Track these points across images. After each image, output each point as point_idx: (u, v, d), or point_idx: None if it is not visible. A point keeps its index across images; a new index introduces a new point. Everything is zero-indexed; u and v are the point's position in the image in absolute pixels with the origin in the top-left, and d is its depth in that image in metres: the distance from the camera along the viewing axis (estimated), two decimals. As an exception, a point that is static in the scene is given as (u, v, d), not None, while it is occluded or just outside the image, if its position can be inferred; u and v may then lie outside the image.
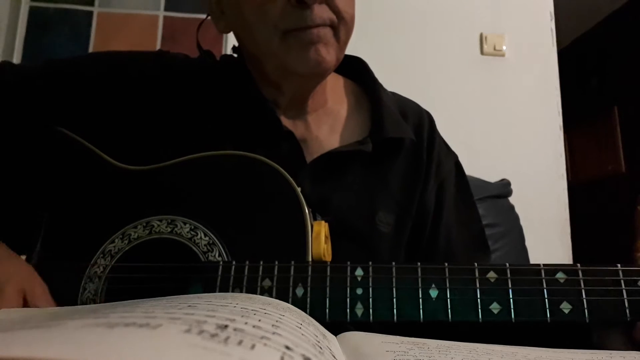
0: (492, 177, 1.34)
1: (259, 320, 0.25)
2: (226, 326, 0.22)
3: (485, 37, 1.72)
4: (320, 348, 0.27)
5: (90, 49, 1.62)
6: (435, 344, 0.35)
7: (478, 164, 1.45)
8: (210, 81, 0.64)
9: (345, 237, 0.57)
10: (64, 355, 0.17)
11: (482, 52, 1.72)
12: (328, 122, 0.65)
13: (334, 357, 0.28)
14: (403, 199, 0.64)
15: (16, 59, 1.59)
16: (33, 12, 1.63)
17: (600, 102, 3.24)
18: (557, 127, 1.69)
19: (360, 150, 0.61)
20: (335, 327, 0.39)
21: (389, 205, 0.62)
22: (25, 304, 0.43)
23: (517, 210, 1.28)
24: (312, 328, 0.31)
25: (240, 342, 0.21)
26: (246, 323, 0.24)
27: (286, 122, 0.62)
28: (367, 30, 1.70)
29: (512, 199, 1.31)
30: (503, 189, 1.30)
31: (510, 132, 1.67)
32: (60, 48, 1.61)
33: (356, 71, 0.70)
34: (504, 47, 1.72)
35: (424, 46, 1.70)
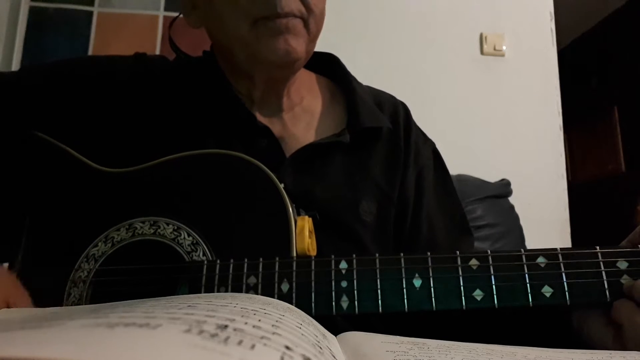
0: (492, 177, 1.34)
1: (259, 320, 0.25)
2: (226, 326, 0.22)
3: (485, 37, 1.72)
4: (320, 348, 0.27)
5: (90, 49, 1.62)
6: (435, 344, 0.35)
7: (478, 164, 1.45)
8: (186, 81, 0.65)
9: (330, 231, 0.57)
10: (64, 355, 0.17)
11: (482, 52, 1.72)
12: (304, 119, 0.66)
13: (334, 357, 0.28)
14: (384, 186, 0.64)
15: (16, 59, 1.59)
16: (33, 12, 1.63)
17: (600, 102, 3.24)
18: (557, 127, 1.69)
19: (338, 142, 0.62)
20: (335, 327, 0.39)
21: (371, 194, 0.63)
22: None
23: (517, 210, 1.28)
24: (312, 328, 0.31)
25: (240, 342, 0.21)
26: (246, 323, 0.24)
27: (262, 120, 0.62)
28: (367, 31, 1.70)
29: (512, 199, 1.31)
30: (503, 189, 1.30)
31: (510, 132, 1.67)
32: (60, 48, 1.61)
33: (329, 67, 0.71)
34: (504, 47, 1.72)
35: (424, 46, 1.70)
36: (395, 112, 0.70)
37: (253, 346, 0.21)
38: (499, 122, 1.67)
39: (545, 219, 1.59)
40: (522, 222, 1.27)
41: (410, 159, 0.67)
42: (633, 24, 2.95)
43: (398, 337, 0.38)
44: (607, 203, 3.02)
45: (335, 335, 0.37)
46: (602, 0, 3.04)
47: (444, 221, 0.68)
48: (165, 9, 1.69)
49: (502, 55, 1.72)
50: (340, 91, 0.69)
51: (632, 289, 0.42)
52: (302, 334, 0.27)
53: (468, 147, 1.58)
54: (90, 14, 1.66)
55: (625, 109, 3.05)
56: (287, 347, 0.22)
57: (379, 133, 0.66)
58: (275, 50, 0.55)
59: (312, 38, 0.59)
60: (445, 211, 0.69)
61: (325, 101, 0.68)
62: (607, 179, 3.15)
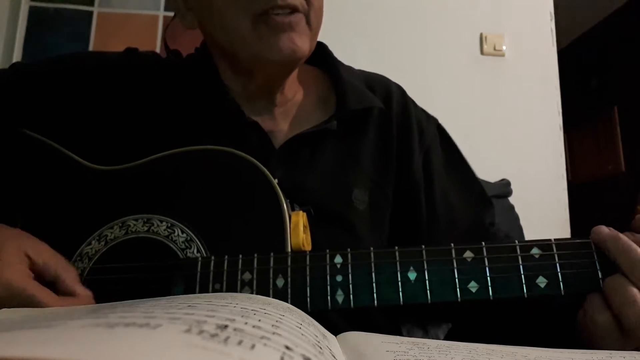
0: (492, 177, 1.34)
1: (259, 320, 0.25)
2: (226, 326, 0.22)
3: (485, 37, 1.72)
4: (320, 348, 0.27)
5: (90, 49, 1.62)
6: (435, 344, 0.35)
7: (478, 164, 1.45)
8: (177, 77, 0.64)
9: (324, 221, 0.57)
10: (64, 355, 0.17)
11: (482, 52, 1.72)
12: (295, 113, 0.65)
13: (334, 357, 0.28)
14: (375, 174, 0.63)
15: (16, 59, 1.59)
16: (33, 12, 1.63)
17: (600, 102, 3.24)
18: (557, 127, 1.69)
19: (326, 129, 0.61)
20: (335, 327, 0.39)
21: (363, 182, 0.62)
22: (30, 262, 0.42)
23: (517, 210, 1.28)
24: (312, 328, 0.31)
25: (240, 342, 0.21)
26: (246, 323, 0.24)
27: (252, 116, 0.61)
28: (367, 30, 1.70)
29: (512, 199, 1.31)
30: (503, 189, 1.30)
31: (510, 132, 1.66)
32: (60, 48, 1.61)
33: (317, 56, 0.70)
34: (504, 47, 1.72)
35: (424, 46, 1.70)
36: (388, 92, 0.69)
37: (253, 346, 0.21)
38: (499, 122, 1.67)
39: (545, 219, 1.59)
40: (522, 222, 1.27)
41: (414, 142, 0.66)
42: (633, 24, 2.95)
43: (398, 337, 0.38)
44: (607, 203, 3.02)
45: (335, 335, 0.37)
46: (602, 0, 3.04)
47: (460, 197, 0.66)
48: (165, 9, 1.69)
49: (502, 55, 1.72)
50: (329, 79, 0.69)
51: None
52: (302, 334, 0.27)
53: (468, 147, 1.57)
54: (90, 14, 1.66)
55: (625, 109, 3.05)
56: (287, 347, 0.22)
57: (368, 115, 0.65)
58: (279, 50, 0.55)
59: (314, 34, 0.59)
60: (460, 186, 0.67)
61: (315, 92, 0.68)
62: (607, 179, 3.15)
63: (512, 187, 1.33)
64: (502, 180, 1.35)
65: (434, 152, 0.67)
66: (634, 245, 0.43)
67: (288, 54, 0.55)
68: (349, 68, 0.71)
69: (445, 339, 0.70)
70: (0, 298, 0.39)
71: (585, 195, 3.01)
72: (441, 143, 0.69)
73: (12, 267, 0.40)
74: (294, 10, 0.54)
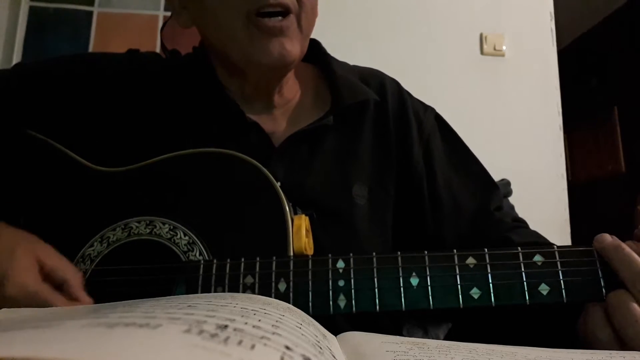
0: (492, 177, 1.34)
1: (259, 320, 0.25)
2: (226, 326, 0.22)
3: (485, 37, 1.72)
4: (320, 348, 0.27)
5: (90, 49, 1.63)
6: (435, 344, 0.35)
7: (478, 164, 1.45)
8: (178, 79, 0.64)
9: (325, 217, 0.57)
10: (64, 355, 0.17)
11: (482, 52, 1.72)
12: (294, 112, 0.65)
13: (334, 357, 0.28)
14: (374, 169, 0.63)
15: (16, 58, 1.59)
16: (33, 12, 1.64)
17: (600, 102, 3.24)
18: (557, 127, 1.70)
19: (322, 125, 0.61)
20: (335, 327, 0.39)
21: (362, 177, 0.62)
22: (40, 265, 0.43)
23: (517, 210, 1.28)
24: (312, 328, 0.31)
25: (240, 342, 0.21)
26: (246, 323, 0.24)
27: (252, 116, 0.61)
28: (367, 30, 1.70)
29: (512, 199, 1.30)
30: (503, 189, 1.30)
31: (510, 132, 1.67)
32: (60, 48, 1.61)
33: (310, 52, 0.69)
34: (504, 47, 1.72)
35: (424, 46, 1.70)
36: (382, 85, 0.69)
37: (253, 346, 0.21)
38: (499, 122, 1.67)
39: (545, 219, 1.59)
40: (522, 222, 1.27)
41: (412, 133, 0.65)
42: (633, 24, 2.95)
43: (398, 337, 0.38)
44: (607, 203, 3.02)
45: (335, 335, 0.37)
46: (602, 0, 3.04)
47: (463, 184, 0.66)
48: (165, 9, 1.69)
49: (502, 55, 1.72)
50: (323, 75, 0.69)
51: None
52: (302, 334, 0.27)
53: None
54: (90, 14, 1.66)
55: (625, 109, 3.05)
56: (287, 347, 0.22)
57: (364, 109, 0.65)
58: (269, 53, 0.55)
59: (305, 36, 0.59)
60: (463, 174, 0.67)
61: (311, 89, 0.68)
62: (607, 179, 3.15)
63: (512, 187, 1.33)
64: (502, 180, 1.35)
65: (434, 142, 0.67)
66: (635, 256, 0.42)
67: (277, 59, 0.55)
68: (343, 63, 0.71)
69: (445, 339, 0.70)
70: (15, 298, 0.40)
71: (585, 195, 3.01)
72: (440, 132, 0.69)
73: (25, 271, 0.41)
74: (285, 10, 0.54)
